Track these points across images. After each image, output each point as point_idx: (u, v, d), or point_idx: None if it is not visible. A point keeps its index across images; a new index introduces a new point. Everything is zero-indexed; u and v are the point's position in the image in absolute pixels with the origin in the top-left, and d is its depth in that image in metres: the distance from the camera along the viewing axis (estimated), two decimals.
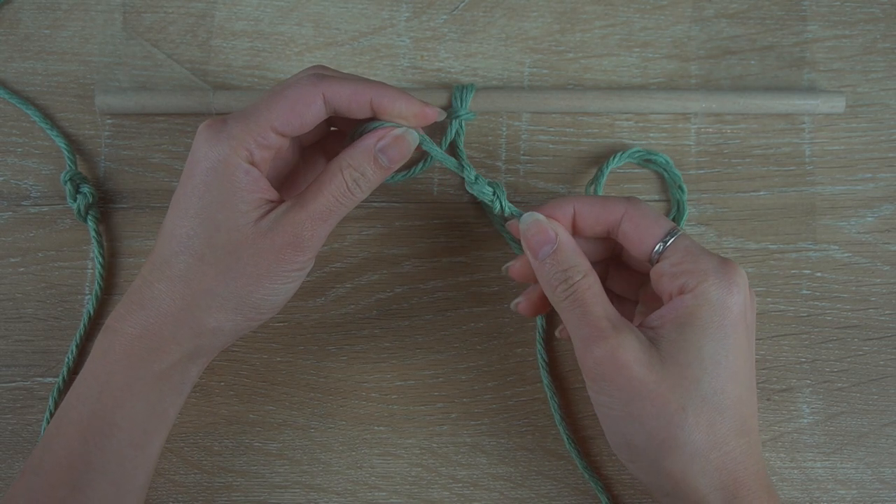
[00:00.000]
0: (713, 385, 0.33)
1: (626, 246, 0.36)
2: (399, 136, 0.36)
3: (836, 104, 0.44)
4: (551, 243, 0.35)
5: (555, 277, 0.35)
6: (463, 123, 0.43)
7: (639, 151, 0.43)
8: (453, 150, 0.44)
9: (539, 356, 0.42)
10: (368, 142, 0.36)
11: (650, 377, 0.32)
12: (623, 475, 0.42)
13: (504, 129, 0.45)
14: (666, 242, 0.35)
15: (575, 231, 0.37)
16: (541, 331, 0.42)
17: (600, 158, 0.44)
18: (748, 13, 0.46)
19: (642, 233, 0.35)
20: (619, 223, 0.36)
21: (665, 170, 0.43)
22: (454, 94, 0.43)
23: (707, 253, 0.35)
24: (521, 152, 0.45)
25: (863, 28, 0.46)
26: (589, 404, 0.42)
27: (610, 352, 0.33)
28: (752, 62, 0.45)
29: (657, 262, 0.35)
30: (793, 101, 0.44)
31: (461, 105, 0.43)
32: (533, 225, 0.36)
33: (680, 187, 0.43)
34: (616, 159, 0.43)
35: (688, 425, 0.32)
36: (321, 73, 0.36)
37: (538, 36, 0.46)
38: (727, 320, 0.33)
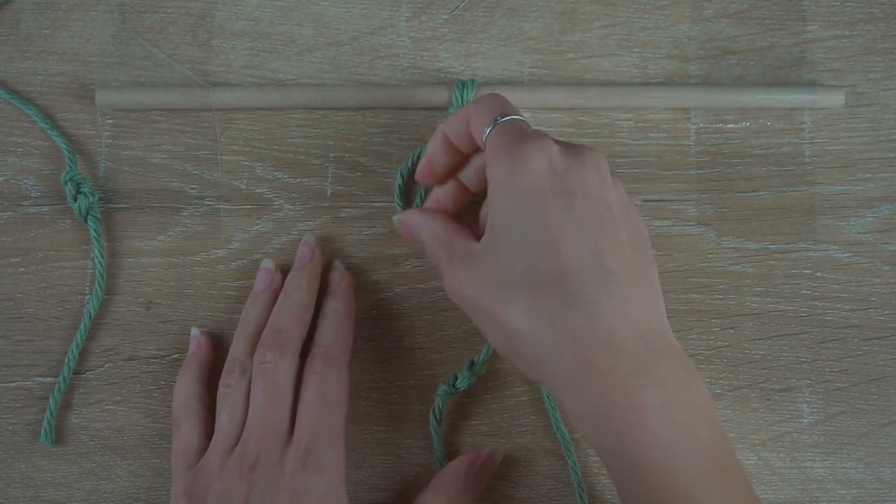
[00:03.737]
0: (525, 262, 0.31)
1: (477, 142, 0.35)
2: (490, 457, 0.40)
3: (835, 99, 0.44)
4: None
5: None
6: None
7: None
8: None
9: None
10: (458, 468, 0.39)
11: (474, 289, 0.33)
12: None
13: None
14: (497, 122, 0.33)
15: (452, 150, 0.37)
16: None
17: None
18: (748, 13, 0.46)
19: (475, 125, 0.34)
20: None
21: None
22: (455, 90, 0.43)
23: (521, 131, 0.32)
24: None
25: (863, 28, 0.46)
26: None
27: (448, 282, 0.34)
28: (752, 62, 0.45)
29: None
30: (791, 97, 0.44)
31: (462, 102, 0.43)
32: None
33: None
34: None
35: (509, 315, 0.31)
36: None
37: (538, 36, 0.46)
38: (518, 192, 0.31)
